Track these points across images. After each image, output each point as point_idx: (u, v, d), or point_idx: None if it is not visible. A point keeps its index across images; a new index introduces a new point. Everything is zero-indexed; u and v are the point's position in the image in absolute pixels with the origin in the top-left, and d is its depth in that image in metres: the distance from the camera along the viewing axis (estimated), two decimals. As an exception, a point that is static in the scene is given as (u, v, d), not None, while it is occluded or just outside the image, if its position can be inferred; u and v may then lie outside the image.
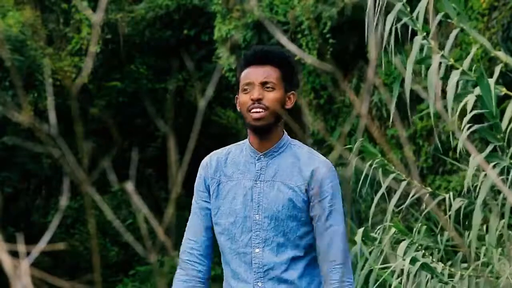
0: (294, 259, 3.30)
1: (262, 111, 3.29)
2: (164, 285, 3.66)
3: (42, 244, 1.57)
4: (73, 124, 12.38)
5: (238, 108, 3.38)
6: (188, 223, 3.47)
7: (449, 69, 4.45)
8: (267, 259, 3.29)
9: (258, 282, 3.30)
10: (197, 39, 13.87)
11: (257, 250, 3.30)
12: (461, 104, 4.23)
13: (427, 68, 4.33)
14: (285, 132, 3.40)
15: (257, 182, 3.34)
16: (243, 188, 3.35)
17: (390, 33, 4.30)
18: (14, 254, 1.51)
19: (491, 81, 4.24)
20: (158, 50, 14.60)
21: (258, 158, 3.36)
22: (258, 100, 3.29)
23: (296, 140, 3.42)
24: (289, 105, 3.35)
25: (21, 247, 1.56)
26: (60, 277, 1.70)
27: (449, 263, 5.40)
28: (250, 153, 3.38)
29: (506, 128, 4.31)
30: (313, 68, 10.70)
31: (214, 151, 3.48)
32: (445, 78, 4.42)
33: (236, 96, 3.40)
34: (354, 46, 10.30)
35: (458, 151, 4.40)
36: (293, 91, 3.36)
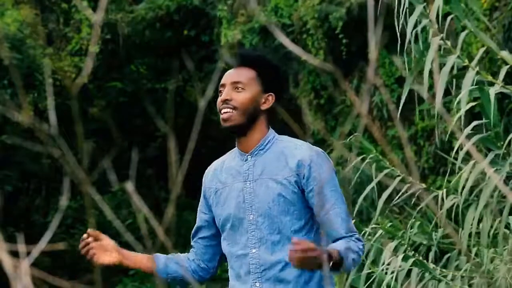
0: None
1: (229, 111, 3.31)
2: (164, 285, 3.65)
3: (42, 244, 1.56)
4: (73, 124, 12.37)
5: None
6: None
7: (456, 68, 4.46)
8: (263, 259, 3.26)
9: (256, 282, 3.26)
10: (197, 40, 13.87)
11: (253, 250, 3.27)
12: (463, 110, 4.22)
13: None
14: (271, 129, 3.35)
15: (247, 182, 3.31)
16: (235, 191, 3.33)
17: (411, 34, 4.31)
18: (14, 254, 1.50)
19: (492, 91, 4.24)
20: (158, 51, 14.59)
21: (246, 159, 3.34)
22: (226, 101, 3.32)
23: (285, 136, 3.37)
24: (265, 106, 3.31)
25: (21, 247, 1.55)
26: (60, 277, 1.69)
27: (444, 258, 5.40)
28: (239, 156, 3.37)
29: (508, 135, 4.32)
30: (313, 67, 10.69)
31: (215, 161, 3.52)
32: (457, 78, 4.43)
33: None
34: (356, 47, 10.28)
35: (457, 149, 4.40)
36: (271, 93, 3.32)
